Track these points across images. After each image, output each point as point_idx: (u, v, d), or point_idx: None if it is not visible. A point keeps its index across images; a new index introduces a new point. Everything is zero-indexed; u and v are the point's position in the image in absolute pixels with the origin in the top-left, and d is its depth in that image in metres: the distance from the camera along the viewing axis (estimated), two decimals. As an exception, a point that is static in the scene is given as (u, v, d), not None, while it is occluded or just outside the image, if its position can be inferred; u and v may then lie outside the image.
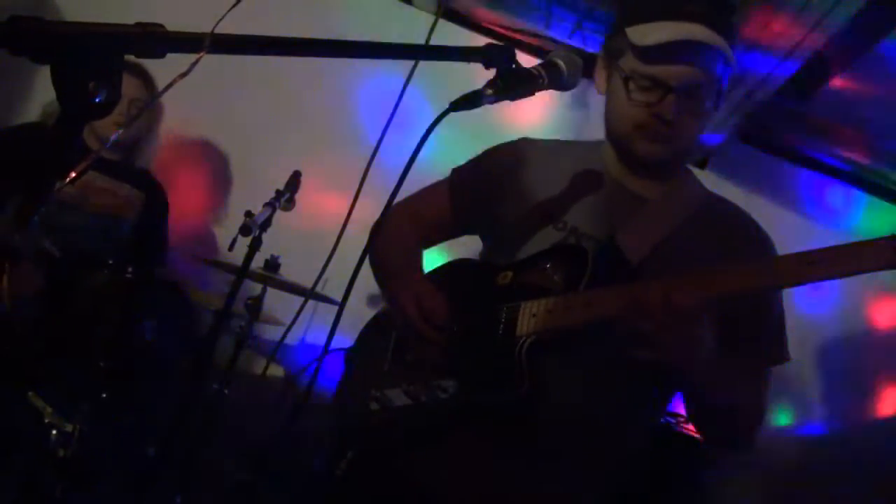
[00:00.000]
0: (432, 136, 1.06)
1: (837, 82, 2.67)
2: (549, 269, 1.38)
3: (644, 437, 1.48)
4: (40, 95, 3.07)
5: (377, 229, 1.63)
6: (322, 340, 3.02)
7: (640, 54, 1.33)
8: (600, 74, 1.46)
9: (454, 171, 1.63)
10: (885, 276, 1.10)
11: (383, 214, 1.22)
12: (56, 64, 0.71)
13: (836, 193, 3.46)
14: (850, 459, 3.18)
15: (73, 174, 0.76)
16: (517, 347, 1.32)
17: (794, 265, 1.14)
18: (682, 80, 1.33)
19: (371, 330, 1.61)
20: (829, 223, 3.43)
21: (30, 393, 2.03)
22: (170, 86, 0.88)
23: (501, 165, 1.56)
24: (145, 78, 2.72)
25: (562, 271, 1.36)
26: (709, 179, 3.20)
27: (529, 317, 1.34)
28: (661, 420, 1.48)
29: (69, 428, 1.99)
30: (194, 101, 3.02)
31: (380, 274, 1.55)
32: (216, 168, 3.51)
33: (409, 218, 1.57)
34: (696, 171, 1.57)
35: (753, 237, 1.48)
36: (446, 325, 1.38)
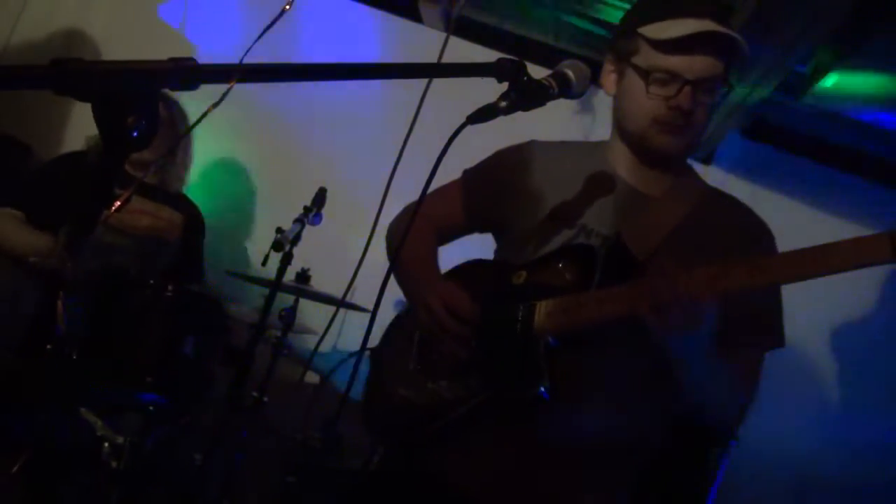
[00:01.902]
0: (451, 146, 1.12)
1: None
2: (560, 268, 1.43)
3: (663, 429, 1.52)
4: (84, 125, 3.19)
5: (392, 231, 1.69)
6: (353, 347, 3.08)
7: (660, 48, 1.40)
8: (608, 77, 1.51)
9: (466, 172, 1.68)
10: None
11: (409, 222, 1.27)
12: (97, 101, 0.74)
13: (842, 184, 3.43)
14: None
15: (119, 203, 0.82)
16: (536, 345, 1.37)
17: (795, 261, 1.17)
18: (698, 72, 1.39)
19: (394, 330, 1.65)
20: (835, 214, 3.40)
21: (82, 409, 2.11)
22: (204, 115, 0.94)
23: (512, 167, 1.61)
24: (165, 99, 2.81)
25: (573, 270, 1.41)
26: (714, 175, 3.26)
27: (545, 315, 1.39)
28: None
29: (120, 440, 2.06)
30: (224, 126, 3.12)
31: (401, 274, 1.59)
32: (247, 188, 3.61)
33: (424, 217, 1.61)
34: (702, 167, 1.61)
35: (751, 226, 1.52)
36: (471, 319, 1.43)
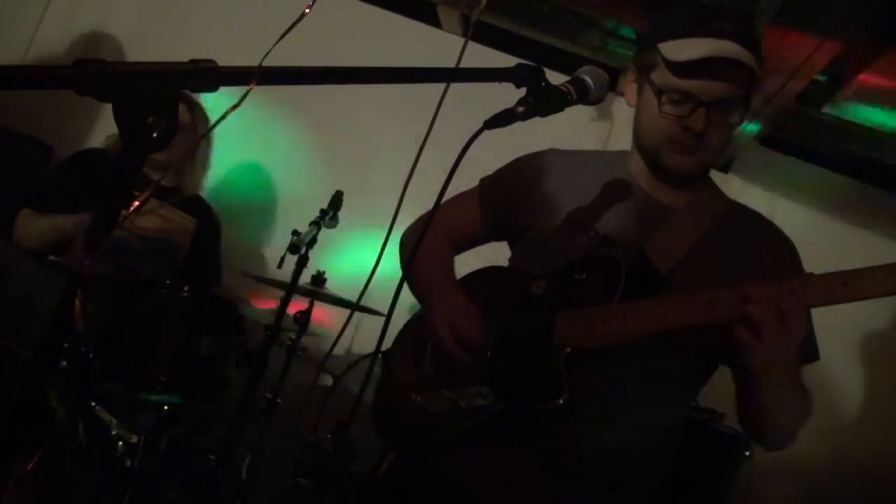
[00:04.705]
0: (468, 152, 1.12)
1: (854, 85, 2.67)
2: (583, 279, 1.41)
3: (676, 435, 1.51)
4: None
5: (405, 241, 1.68)
6: (367, 350, 3.08)
7: (674, 70, 1.37)
8: (629, 87, 1.49)
9: (482, 181, 1.67)
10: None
11: (423, 229, 1.27)
12: (117, 101, 0.74)
13: (861, 194, 3.39)
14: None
15: (137, 203, 0.83)
16: (557, 358, 1.35)
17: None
18: (712, 95, 1.36)
19: (408, 333, 1.64)
20: (855, 224, 3.36)
21: (97, 407, 2.13)
22: (223, 117, 0.95)
23: (529, 175, 1.59)
24: (188, 102, 2.83)
25: (596, 282, 1.38)
26: (732, 183, 3.24)
27: (566, 327, 1.37)
28: (692, 417, 1.50)
29: (134, 439, 2.08)
30: (242, 128, 3.14)
31: (414, 283, 1.58)
32: (264, 191, 3.64)
33: (439, 227, 1.60)
34: (720, 176, 1.60)
35: (774, 240, 1.50)
36: (482, 349, 1.42)
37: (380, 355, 1.54)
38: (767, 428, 1.42)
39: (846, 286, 1.12)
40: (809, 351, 1.43)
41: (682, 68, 1.35)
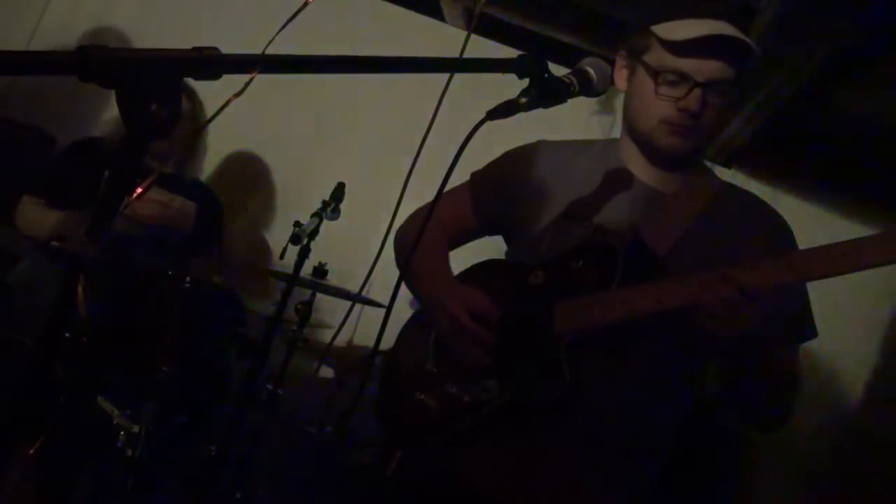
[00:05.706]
0: (469, 143, 1.12)
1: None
2: (580, 267, 1.41)
3: (678, 425, 1.51)
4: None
5: (401, 236, 1.68)
6: (368, 342, 3.10)
7: (670, 49, 1.37)
8: (620, 72, 1.49)
9: (474, 175, 1.66)
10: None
11: (421, 225, 1.27)
12: (120, 88, 0.75)
13: (864, 189, 3.39)
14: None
15: (140, 190, 0.83)
16: (558, 347, 1.35)
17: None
18: (709, 75, 1.36)
19: (410, 331, 1.63)
20: (856, 219, 3.36)
21: (99, 397, 2.13)
22: (225, 105, 0.95)
23: (520, 167, 1.59)
24: (188, 92, 2.82)
25: (594, 270, 1.39)
26: (734, 178, 3.22)
27: (566, 316, 1.37)
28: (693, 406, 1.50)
29: (136, 429, 2.08)
30: (245, 118, 3.14)
31: (412, 280, 1.57)
32: (266, 182, 3.64)
33: (433, 223, 1.57)
34: (723, 170, 1.60)
35: (768, 219, 1.50)
36: (494, 321, 1.42)
37: (381, 354, 1.54)
38: (775, 404, 1.43)
39: (845, 256, 1.12)
40: (807, 328, 1.43)
41: (679, 47, 1.36)
